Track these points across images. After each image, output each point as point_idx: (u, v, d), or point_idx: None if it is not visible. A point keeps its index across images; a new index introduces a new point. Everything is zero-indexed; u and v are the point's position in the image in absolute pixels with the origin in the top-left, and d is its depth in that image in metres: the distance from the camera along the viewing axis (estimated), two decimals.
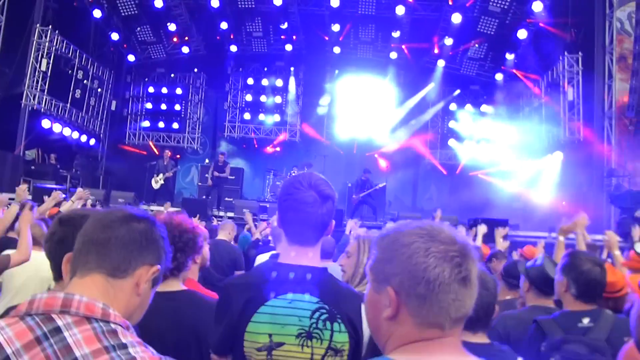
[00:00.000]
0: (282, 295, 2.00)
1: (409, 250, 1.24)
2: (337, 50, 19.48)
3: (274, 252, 6.00)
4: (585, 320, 2.95)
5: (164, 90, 20.77)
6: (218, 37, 19.50)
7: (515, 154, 17.72)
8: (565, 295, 3.12)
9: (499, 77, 18.95)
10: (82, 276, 1.39)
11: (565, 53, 15.64)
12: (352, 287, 2.56)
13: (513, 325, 3.23)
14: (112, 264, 1.38)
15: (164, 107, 20.74)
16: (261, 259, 5.62)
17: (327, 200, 2.06)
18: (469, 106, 19.83)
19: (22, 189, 5.79)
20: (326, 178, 2.13)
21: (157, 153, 19.96)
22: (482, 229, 8.48)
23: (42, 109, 15.91)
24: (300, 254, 2.06)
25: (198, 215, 10.51)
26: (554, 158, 16.10)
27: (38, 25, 15.74)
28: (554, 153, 16.10)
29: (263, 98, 20.58)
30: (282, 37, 19.39)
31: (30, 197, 7.40)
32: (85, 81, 17.97)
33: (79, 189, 6.97)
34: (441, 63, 19.16)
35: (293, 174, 16.27)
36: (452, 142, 20.04)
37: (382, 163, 19.04)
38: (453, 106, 20.11)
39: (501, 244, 7.09)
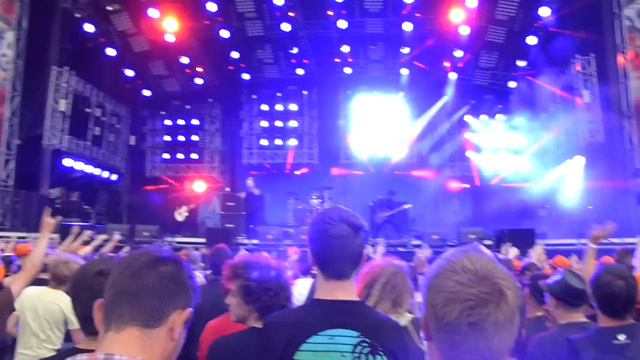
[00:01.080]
0: (322, 332, 1.98)
1: (432, 285, 1.23)
2: (348, 70, 19.66)
3: (299, 279, 5.89)
4: (621, 337, 2.80)
5: (181, 122, 21.04)
6: (230, 67, 19.75)
7: (535, 161, 17.63)
8: (598, 311, 2.99)
9: (512, 84, 18.92)
10: (117, 330, 1.37)
11: (577, 56, 15.56)
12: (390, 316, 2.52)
13: (552, 351, 3.06)
14: (146, 315, 1.37)
15: (181, 138, 20.98)
16: (295, 288, 5.61)
17: (360, 231, 2.07)
18: (484, 116, 19.79)
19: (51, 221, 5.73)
20: (348, 205, 2.18)
21: (175, 184, 20.11)
22: (513, 251, 8.26)
23: (63, 148, 16.15)
24: (337, 289, 2.05)
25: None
26: (576, 162, 15.96)
27: (55, 66, 16.05)
28: (575, 157, 15.93)
29: (278, 123, 20.74)
30: (293, 61, 19.61)
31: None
32: (103, 118, 18.30)
33: (74, 227, 6.93)
34: (453, 75, 19.21)
35: (314, 198, 16.42)
36: (470, 154, 19.95)
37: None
38: (468, 117, 20.04)
39: (538, 257, 6.80)
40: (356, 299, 2.10)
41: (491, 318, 1.14)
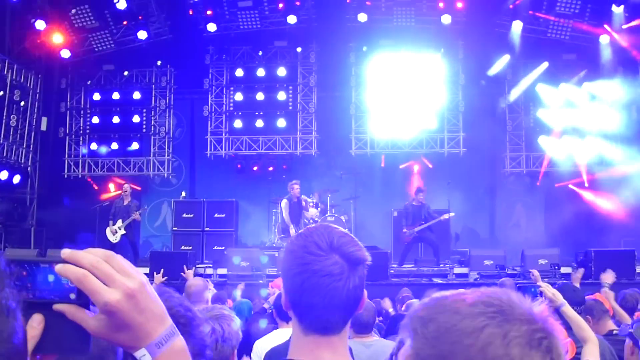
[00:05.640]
0: None
1: (480, 341, 1.23)
2: (363, 17, 19.44)
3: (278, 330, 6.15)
4: None
5: (116, 95, 20.85)
6: (190, 12, 19.62)
7: (637, 151, 17.64)
8: None
9: (604, 39, 18.73)
10: None
11: None
12: None
13: None
14: None
15: (116, 120, 20.78)
16: (262, 345, 5.76)
17: (358, 266, 2.05)
18: (564, 85, 19.62)
19: None
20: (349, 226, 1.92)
21: (112, 188, 20.05)
22: (609, 277, 8.21)
23: None
24: (320, 347, 2.04)
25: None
26: None
27: None
28: None
29: (260, 96, 20.57)
30: (280, 5, 19.42)
31: None
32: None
33: None
34: (518, 25, 19.01)
35: (311, 205, 16.29)
36: (542, 140, 19.86)
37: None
38: (541, 87, 19.89)
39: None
40: None
41: (563, 355, 1.28)
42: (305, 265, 2.01)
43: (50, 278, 1.29)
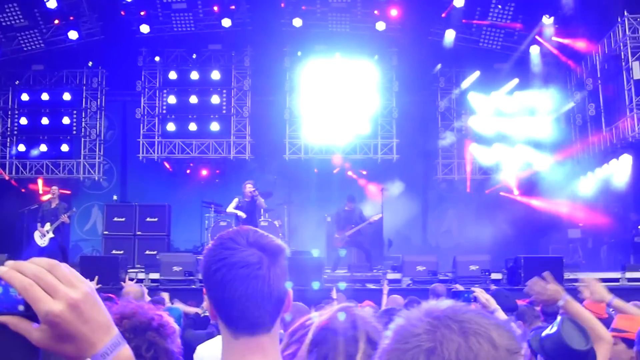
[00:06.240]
0: None
1: None
2: (298, 22, 19.77)
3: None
4: None
5: (45, 96, 20.69)
6: (122, 13, 19.60)
7: (565, 161, 18.22)
8: None
9: (534, 50, 19.31)
10: None
11: (626, 13, 16.00)
12: None
13: None
14: None
15: (45, 121, 20.67)
16: (204, 352, 5.64)
17: (278, 257, 2.06)
18: (494, 94, 20.15)
19: None
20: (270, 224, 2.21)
21: (40, 191, 19.85)
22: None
23: None
24: (252, 349, 2.01)
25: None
26: (621, 163, 16.46)
27: None
28: (621, 157, 16.43)
29: (193, 99, 20.64)
30: (215, 8, 19.55)
31: None
32: None
33: None
34: (451, 34, 19.46)
35: (238, 211, 16.19)
36: (473, 148, 20.34)
37: (372, 188, 19.39)
38: (472, 95, 20.43)
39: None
40: None
41: None
42: (223, 260, 2.00)
43: None
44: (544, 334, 3.68)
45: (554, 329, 3.60)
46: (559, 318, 3.69)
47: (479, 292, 5.48)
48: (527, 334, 4.92)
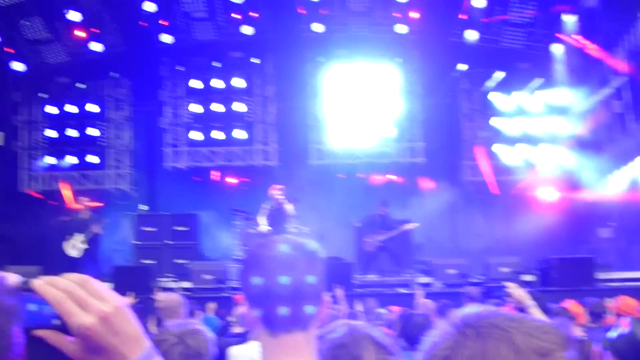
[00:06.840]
0: None
1: None
2: (318, 28, 19.82)
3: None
4: None
5: (71, 108, 20.86)
6: (143, 24, 19.71)
7: (593, 159, 18.08)
8: None
9: (556, 49, 19.31)
10: None
11: None
12: None
13: None
14: None
15: (71, 133, 20.83)
16: (237, 351, 5.59)
17: (311, 256, 2.11)
18: (517, 93, 20.18)
19: None
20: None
21: (70, 203, 19.94)
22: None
23: None
24: (288, 349, 2.04)
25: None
26: None
27: None
28: None
29: (217, 107, 20.71)
30: (238, 15, 19.59)
31: None
32: None
33: None
34: (472, 35, 19.47)
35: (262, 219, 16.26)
36: (497, 148, 20.38)
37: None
38: (495, 95, 20.45)
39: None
40: None
41: None
42: (258, 256, 2.09)
43: (32, 307, 1.32)
44: (615, 334, 3.61)
45: (626, 329, 3.53)
46: (628, 318, 3.65)
47: (513, 287, 5.51)
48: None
